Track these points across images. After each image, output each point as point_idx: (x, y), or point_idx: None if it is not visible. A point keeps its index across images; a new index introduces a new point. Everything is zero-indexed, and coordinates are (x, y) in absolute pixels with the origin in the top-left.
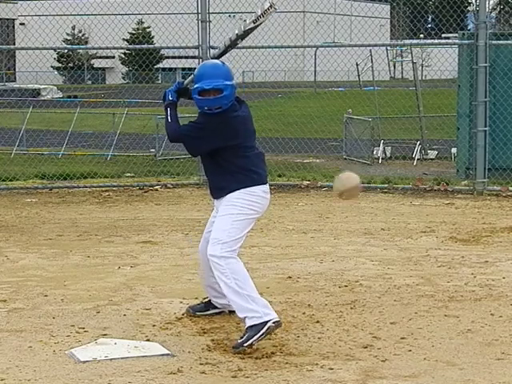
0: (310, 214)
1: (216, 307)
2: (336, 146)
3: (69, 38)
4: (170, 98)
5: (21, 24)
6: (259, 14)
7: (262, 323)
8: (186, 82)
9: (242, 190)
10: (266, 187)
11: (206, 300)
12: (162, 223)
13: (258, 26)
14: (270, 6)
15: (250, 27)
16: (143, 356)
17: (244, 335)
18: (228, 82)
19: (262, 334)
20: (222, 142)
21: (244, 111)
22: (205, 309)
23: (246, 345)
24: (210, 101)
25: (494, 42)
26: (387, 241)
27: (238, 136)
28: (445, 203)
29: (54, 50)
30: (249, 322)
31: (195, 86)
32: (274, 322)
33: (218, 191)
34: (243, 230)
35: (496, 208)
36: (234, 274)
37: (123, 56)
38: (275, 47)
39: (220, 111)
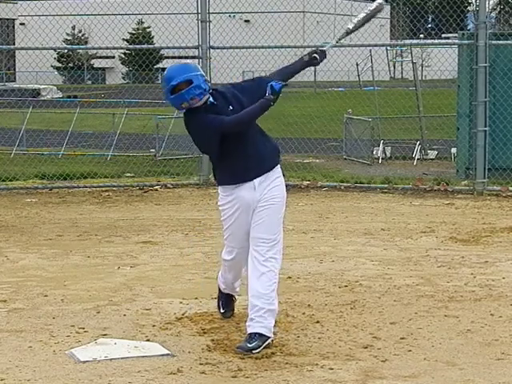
0: (310, 214)
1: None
2: (336, 146)
3: (69, 38)
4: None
5: (21, 24)
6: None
7: (268, 337)
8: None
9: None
10: None
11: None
12: (162, 223)
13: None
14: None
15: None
16: (143, 356)
17: (253, 340)
18: (196, 72)
19: (265, 347)
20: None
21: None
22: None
23: (254, 352)
24: (183, 94)
25: (493, 42)
26: (387, 241)
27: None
28: (445, 203)
29: (54, 50)
30: (260, 330)
31: (165, 90)
32: (272, 340)
33: (270, 158)
34: None
35: (496, 208)
36: (276, 287)
37: (123, 56)
38: (275, 47)
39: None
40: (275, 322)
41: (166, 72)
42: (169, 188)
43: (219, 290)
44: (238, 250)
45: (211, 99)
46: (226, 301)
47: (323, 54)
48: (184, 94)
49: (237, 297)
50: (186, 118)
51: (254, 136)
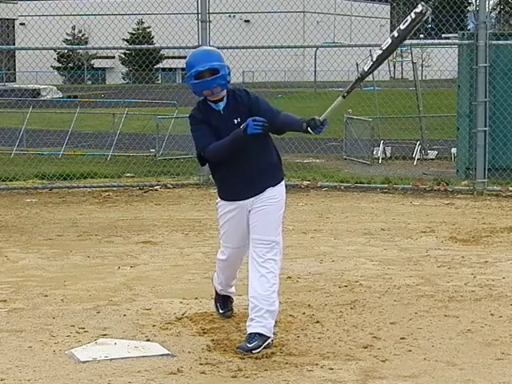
0: (310, 214)
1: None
2: (336, 146)
3: (69, 38)
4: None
5: (21, 24)
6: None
7: (268, 337)
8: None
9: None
10: None
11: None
12: (162, 223)
13: (409, 29)
14: (421, 12)
15: (402, 29)
16: (143, 356)
17: (253, 340)
18: (222, 62)
19: (265, 347)
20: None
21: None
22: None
23: (254, 352)
24: (208, 82)
25: (493, 42)
26: (387, 241)
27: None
28: (445, 203)
29: (54, 50)
30: (260, 330)
31: (189, 73)
32: (272, 340)
33: (269, 179)
34: None
35: (496, 208)
36: (276, 288)
37: (123, 56)
38: (275, 47)
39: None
40: (275, 322)
41: (192, 55)
42: (169, 188)
43: (215, 292)
44: (232, 250)
45: (223, 105)
46: (224, 302)
47: (318, 126)
48: (210, 82)
49: (235, 297)
50: (191, 114)
51: (251, 154)
